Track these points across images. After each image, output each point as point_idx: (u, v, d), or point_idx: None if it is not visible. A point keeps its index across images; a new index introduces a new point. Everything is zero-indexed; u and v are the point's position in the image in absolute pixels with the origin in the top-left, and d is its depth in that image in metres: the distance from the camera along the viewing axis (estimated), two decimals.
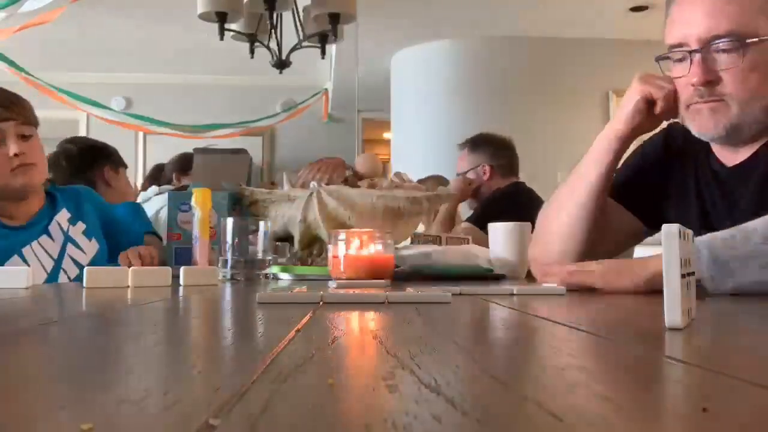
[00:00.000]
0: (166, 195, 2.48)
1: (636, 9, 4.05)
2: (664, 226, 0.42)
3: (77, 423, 0.19)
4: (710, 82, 0.98)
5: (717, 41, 0.97)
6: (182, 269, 1.04)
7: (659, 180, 1.13)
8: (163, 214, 2.39)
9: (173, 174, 2.65)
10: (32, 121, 1.48)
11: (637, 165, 1.17)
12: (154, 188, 2.53)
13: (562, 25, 4.28)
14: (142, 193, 2.61)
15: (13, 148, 1.38)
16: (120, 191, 2.21)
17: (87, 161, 2.17)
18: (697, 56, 0.98)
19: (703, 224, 1.02)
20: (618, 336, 0.42)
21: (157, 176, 2.80)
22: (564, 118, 4.41)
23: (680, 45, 1.01)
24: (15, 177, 1.40)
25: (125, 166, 2.32)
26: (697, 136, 1.03)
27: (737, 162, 1.03)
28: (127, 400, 0.22)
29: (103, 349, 0.38)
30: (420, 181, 2.31)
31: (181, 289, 0.93)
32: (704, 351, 0.38)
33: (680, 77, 1.01)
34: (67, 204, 1.55)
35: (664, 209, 1.12)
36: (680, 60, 1.01)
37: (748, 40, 0.95)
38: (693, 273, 0.43)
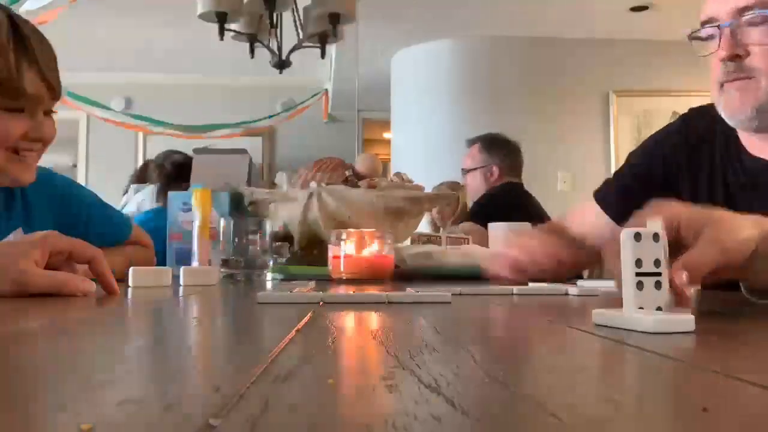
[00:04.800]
0: (141, 193, 2.48)
1: (636, 9, 4.05)
2: (624, 232, 0.46)
3: (77, 423, 0.19)
4: (738, 56, 0.94)
5: (747, 13, 0.93)
6: (182, 269, 1.04)
7: (670, 182, 1.08)
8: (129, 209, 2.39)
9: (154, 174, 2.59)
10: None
11: (641, 174, 1.13)
12: (132, 188, 2.52)
13: (562, 25, 4.28)
14: (125, 195, 2.58)
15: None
16: None
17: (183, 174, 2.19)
18: (726, 30, 0.94)
19: None
20: (618, 336, 0.42)
21: (143, 173, 2.72)
22: (564, 118, 4.41)
23: (710, 21, 0.97)
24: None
25: None
26: (727, 120, 0.98)
27: None
28: (127, 400, 0.22)
29: (103, 349, 0.38)
30: (434, 188, 2.31)
31: (181, 289, 0.93)
32: (704, 351, 0.38)
33: (711, 54, 0.97)
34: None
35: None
36: (711, 37, 0.97)
37: None
38: (660, 273, 0.46)
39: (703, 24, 0.98)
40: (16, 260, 0.74)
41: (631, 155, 1.19)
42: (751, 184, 1.00)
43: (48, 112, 1.11)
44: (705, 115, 1.08)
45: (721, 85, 0.97)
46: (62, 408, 0.22)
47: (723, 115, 0.98)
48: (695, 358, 0.35)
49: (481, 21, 4.25)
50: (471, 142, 2.62)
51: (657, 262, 0.46)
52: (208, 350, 0.38)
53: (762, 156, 1.00)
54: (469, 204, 2.57)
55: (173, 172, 2.33)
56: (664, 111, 4.51)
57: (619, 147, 4.43)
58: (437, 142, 4.48)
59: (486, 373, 0.28)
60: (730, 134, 1.04)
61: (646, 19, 4.15)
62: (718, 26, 0.95)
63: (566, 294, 0.77)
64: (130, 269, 0.95)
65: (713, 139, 1.06)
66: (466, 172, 2.55)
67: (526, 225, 1.47)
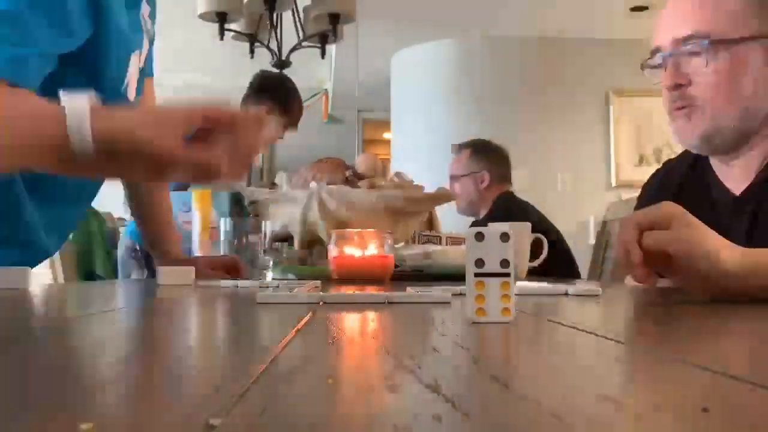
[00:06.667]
0: None
1: (636, 9, 4.05)
2: (468, 231, 0.46)
3: (77, 423, 0.19)
4: (680, 85, 0.95)
5: (686, 43, 0.94)
6: (159, 269, 1.03)
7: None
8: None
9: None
10: None
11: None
12: None
13: (562, 25, 4.28)
14: None
15: None
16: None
17: (258, 88, 2.22)
18: (669, 59, 0.96)
19: None
20: (619, 336, 0.42)
21: None
22: (563, 118, 4.41)
23: (657, 50, 0.99)
24: None
25: (289, 117, 2.31)
26: (680, 144, 1.01)
27: (738, 192, 0.99)
28: (127, 400, 0.22)
29: (103, 348, 0.38)
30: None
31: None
32: (705, 351, 0.38)
33: (661, 83, 0.99)
34: None
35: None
36: (660, 66, 0.99)
37: (713, 38, 0.92)
38: (509, 274, 0.46)
39: (652, 53, 1.00)
40: (162, 141, 0.64)
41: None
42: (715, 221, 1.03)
43: None
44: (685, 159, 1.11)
45: (672, 116, 0.99)
46: (62, 408, 0.22)
47: (677, 142, 1.01)
48: (696, 358, 0.35)
49: (481, 21, 4.25)
50: (458, 148, 2.56)
51: (505, 263, 0.46)
52: (208, 350, 0.38)
53: (728, 185, 1.01)
54: (459, 210, 2.52)
55: None
56: (664, 111, 4.51)
57: (619, 147, 4.43)
58: (437, 142, 4.47)
59: (486, 373, 0.28)
60: (705, 163, 1.06)
61: (646, 19, 4.15)
62: (663, 56, 0.97)
63: (566, 294, 0.77)
64: (158, 268, 0.99)
65: (694, 183, 1.08)
66: (455, 179, 2.49)
67: (527, 225, 1.47)
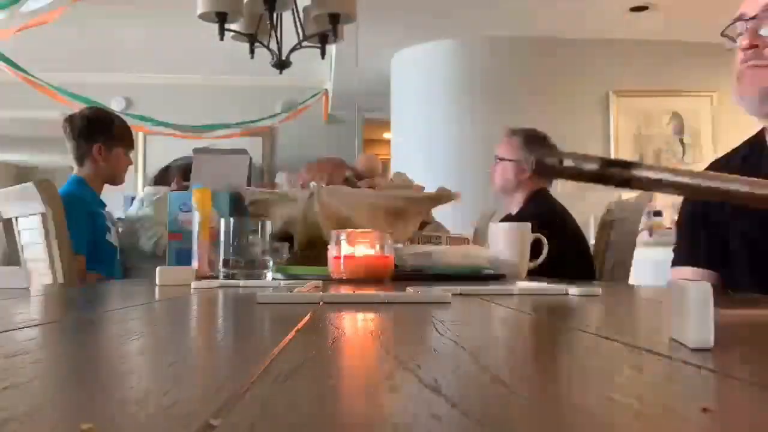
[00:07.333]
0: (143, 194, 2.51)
1: (636, 9, 4.05)
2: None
3: (77, 423, 0.19)
4: (756, 46, 1.01)
5: None
6: (158, 269, 1.02)
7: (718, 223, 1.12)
8: (131, 210, 2.43)
9: (175, 176, 2.65)
10: None
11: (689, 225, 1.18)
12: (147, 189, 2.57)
13: (562, 25, 4.28)
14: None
15: None
16: (106, 171, 2.24)
17: (84, 134, 2.20)
18: (751, 22, 1.02)
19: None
20: (619, 336, 0.42)
21: (162, 178, 2.80)
22: (563, 118, 4.40)
23: (740, 18, 1.05)
24: None
25: (125, 146, 2.30)
26: (744, 108, 1.05)
27: None
28: (127, 400, 0.22)
29: (102, 349, 0.38)
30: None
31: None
32: (705, 351, 0.38)
33: (735, 47, 1.05)
34: None
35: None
36: (739, 34, 1.05)
37: None
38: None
39: (734, 20, 1.06)
40: None
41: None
42: None
43: None
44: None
45: (740, 75, 1.04)
46: (61, 407, 0.22)
47: (739, 104, 1.05)
48: (695, 358, 0.35)
49: (481, 21, 4.25)
50: (512, 132, 2.56)
51: None
52: (208, 350, 0.38)
53: None
54: (493, 188, 2.50)
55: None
56: (664, 111, 4.51)
57: (619, 147, 4.42)
58: (437, 142, 4.48)
59: (486, 373, 0.28)
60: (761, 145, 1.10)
61: (646, 19, 4.15)
62: (745, 20, 1.03)
63: (566, 294, 0.77)
64: (158, 269, 0.99)
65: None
66: (499, 159, 2.48)
67: (527, 225, 1.47)
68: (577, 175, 0.44)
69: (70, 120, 2.23)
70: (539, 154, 0.45)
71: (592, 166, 0.43)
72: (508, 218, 2.36)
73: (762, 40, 1.01)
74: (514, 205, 2.38)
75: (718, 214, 1.11)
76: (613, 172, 0.43)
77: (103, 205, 2.25)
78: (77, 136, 2.21)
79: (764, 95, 1.01)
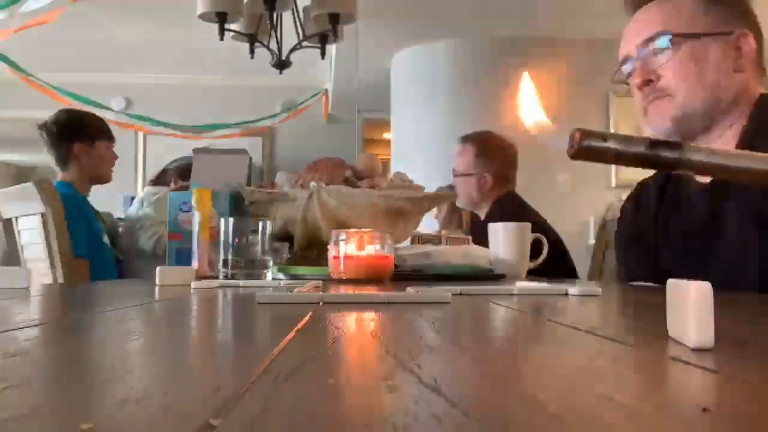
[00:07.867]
0: (143, 194, 2.51)
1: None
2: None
3: (77, 423, 0.19)
4: (651, 81, 1.06)
5: (650, 44, 1.06)
6: (158, 269, 1.02)
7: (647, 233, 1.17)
8: (131, 210, 2.42)
9: (172, 177, 2.64)
10: None
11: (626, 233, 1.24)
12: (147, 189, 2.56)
13: (562, 25, 4.28)
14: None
15: None
16: (92, 169, 2.22)
17: (60, 136, 2.19)
18: (638, 61, 1.08)
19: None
20: (619, 336, 0.42)
21: (159, 181, 2.80)
22: (563, 118, 4.40)
23: (625, 60, 1.11)
24: None
25: (105, 138, 2.27)
26: (654, 133, 1.08)
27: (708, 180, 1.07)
28: (127, 400, 0.22)
29: (102, 349, 0.38)
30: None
31: (183, 289, 0.93)
32: (705, 351, 0.38)
33: (631, 88, 1.10)
34: None
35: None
36: (630, 74, 1.10)
37: (676, 32, 1.03)
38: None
39: (621, 63, 1.12)
40: None
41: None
42: (695, 212, 1.09)
43: None
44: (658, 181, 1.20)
45: (644, 111, 1.09)
46: (62, 407, 0.22)
47: (651, 132, 1.09)
48: (695, 358, 0.35)
49: (481, 21, 4.25)
50: (464, 140, 2.50)
51: None
52: (208, 350, 0.38)
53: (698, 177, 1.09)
54: (459, 204, 2.50)
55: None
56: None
57: None
58: (437, 142, 4.47)
59: (486, 373, 0.28)
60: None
61: None
62: (631, 61, 1.09)
63: (566, 294, 0.77)
64: (158, 269, 0.99)
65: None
66: (458, 174, 2.44)
67: (527, 225, 1.47)
68: (621, 157, 0.43)
69: (43, 127, 2.21)
70: (582, 133, 0.43)
71: (638, 149, 0.42)
72: (474, 225, 2.35)
73: (653, 74, 1.06)
74: (482, 213, 2.38)
75: (650, 235, 1.15)
76: (660, 154, 0.41)
77: (95, 210, 2.23)
78: (55, 140, 2.19)
79: (675, 123, 1.05)
